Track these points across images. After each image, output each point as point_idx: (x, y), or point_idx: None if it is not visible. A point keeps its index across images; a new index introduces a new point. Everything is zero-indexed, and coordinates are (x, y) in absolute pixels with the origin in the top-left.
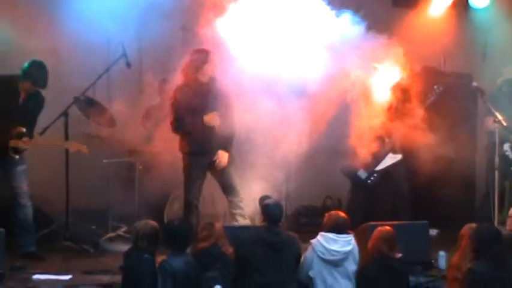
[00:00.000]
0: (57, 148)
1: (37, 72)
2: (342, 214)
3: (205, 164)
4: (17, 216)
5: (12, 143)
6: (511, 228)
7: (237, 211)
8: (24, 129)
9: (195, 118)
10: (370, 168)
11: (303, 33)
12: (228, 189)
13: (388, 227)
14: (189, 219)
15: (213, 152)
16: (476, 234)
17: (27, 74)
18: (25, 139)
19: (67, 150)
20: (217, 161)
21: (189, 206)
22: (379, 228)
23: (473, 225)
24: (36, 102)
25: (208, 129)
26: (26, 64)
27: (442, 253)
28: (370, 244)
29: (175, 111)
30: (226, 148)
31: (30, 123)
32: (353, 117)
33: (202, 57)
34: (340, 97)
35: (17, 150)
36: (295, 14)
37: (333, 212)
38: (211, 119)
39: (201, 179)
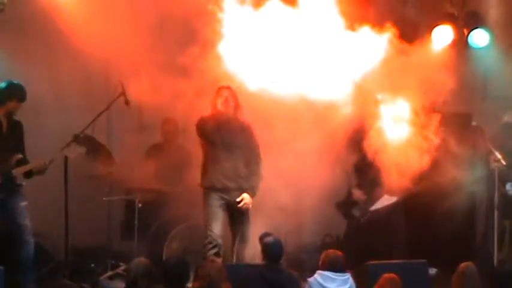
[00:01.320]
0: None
1: (18, 88)
2: (339, 253)
3: (226, 201)
4: (19, 254)
5: (17, 171)
6: None
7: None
8: (21, 155)
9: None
10: (364, 207)
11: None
12: (240, 236)
13: (394, 275)
14: (211, 258)
15: (235, 193)
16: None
17: (10, 94)
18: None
19: (66, 190)
20: (242, 203)
21: (212, 243)
22: (386, 275)
23: (469, 264)
24: (19, 126)
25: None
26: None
27: None
28: None
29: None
30: (253, 191)
31: (22, 150)
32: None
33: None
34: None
35: (30, 174)
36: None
37: (330, 251)
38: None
39: (223, 214)
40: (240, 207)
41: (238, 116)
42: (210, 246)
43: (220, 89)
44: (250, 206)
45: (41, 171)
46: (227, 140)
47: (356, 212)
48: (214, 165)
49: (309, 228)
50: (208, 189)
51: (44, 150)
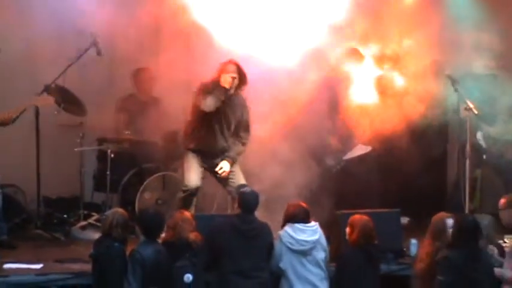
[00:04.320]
0: (27, 111)
1: None
2: (302, 204)
3: (207, 164)
4: None
5: None
6: (506, 221)
7: None
8: None
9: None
10: (338, 156)
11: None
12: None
13: (366, 217)
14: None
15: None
16: (456, 225)
17: None
18: None
19: (38, 141)
20: (222, 170)
21: (189, 194)
22: (358, 216)
23: (444, 214)
24: None
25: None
26: None
27: (413, 241)
28: (350, 232)
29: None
30: (232, 160)
31: None
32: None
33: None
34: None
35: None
36: None
37: (293, 202)
38: (225, 166)
39: (201, 170)
40: (218, 173)
41: (239, 92)
42: (184, 192)
43: (226, 64)
44: (228, 172)
45: (6, 123)
46: (223, 116)
47: (330, 161)
48: (203, 135)
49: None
50: (192, 151)
51: (15, 101)
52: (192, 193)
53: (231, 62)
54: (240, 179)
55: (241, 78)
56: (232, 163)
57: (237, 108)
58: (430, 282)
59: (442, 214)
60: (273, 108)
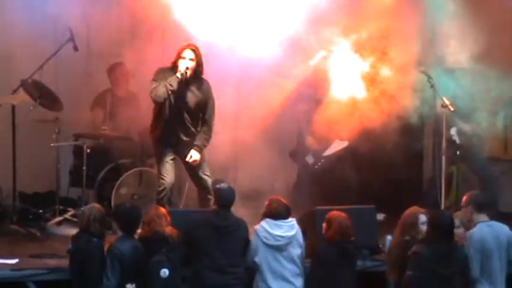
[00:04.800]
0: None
1: None
2: (282, 200)
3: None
4: None
5: None
6: (467, 218)
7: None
8: None
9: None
10: (317, 153)
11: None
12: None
13: (344, 214)
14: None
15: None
16: (431, 221)
17: None
18: None
19: (14, 136)
20: (192, 159)
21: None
22: (337, 213)
23: (417, 209)
24: None
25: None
26: None
27: (389, 237)
28: (326, 228)
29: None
30: (200, 148)
31: None
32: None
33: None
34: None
35: None
36: None
37: (273, 198)
38: (194, 155)
39: (172, 161)
40: (189, 163)
41: (203, 78)
42: (161, 193)
43: (183, 49)
44: (198, 160)
45: None
46: (182, 102)
47: (310, 159)
48: (166, 123)
49: (259, 176)
50: (160, 142)
51: None
52: (168, 193)
53: (188, 46)
54: (205, 170)
55: (199, 63)
56: (200, 151)
57: (199, 94)
58: (400, 274)
59: (415, 208)
60: (249, 104)
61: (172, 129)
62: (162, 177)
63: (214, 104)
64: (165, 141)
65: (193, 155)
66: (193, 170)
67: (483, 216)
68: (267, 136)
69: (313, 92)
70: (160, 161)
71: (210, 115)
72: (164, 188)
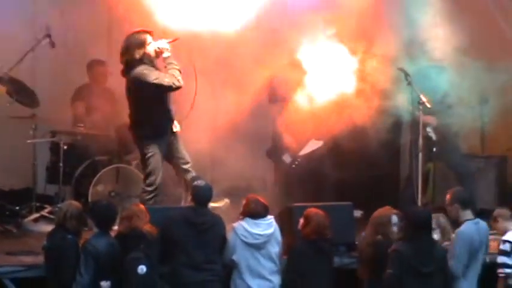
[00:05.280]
0: None
1: None
2: (260, 199)
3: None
4: None
5: None
6: (453, 216)
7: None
8: None
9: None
10: (294, 153)
11: None
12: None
13: (322, 212)
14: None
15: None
16: (408, 218)
17: None
18: None
19: None
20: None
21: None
22: (315, 210)
23: (389, 209)
24: None
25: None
26: None
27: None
28: (303, 225)
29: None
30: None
31: None
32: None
33: (141, 38)
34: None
35: None
36: None
37: (251, 197)
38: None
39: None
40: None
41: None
42: (154, 192)
43: (146, 35)
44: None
45: None
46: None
47: (287, 158)
48: (161, 113)
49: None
50: (150, 138)
51: None
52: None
53: (148, 32)
54: (185, 155)
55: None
56: None
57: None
58: (372, 274)
59: (387, 209)
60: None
61: (167, 115)
62: (155, 175)
63: None
64: (162, 131)
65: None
66: (173, 159)
67: (469, 214)
68: (243, 133)
69: (287, 91)
70: (153, 161)
71: None
72: (156, 188)
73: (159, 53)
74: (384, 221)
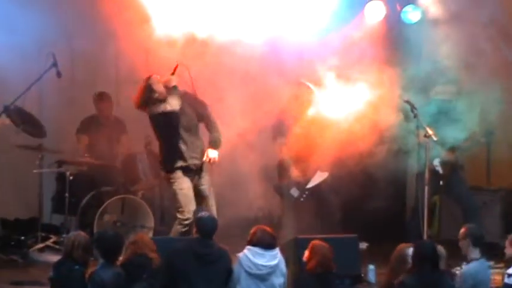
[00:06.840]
0: None
1: None
2: (267, 229)
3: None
4: None
5: None
6: (464, 251)
7: None
8: None
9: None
10: (301, 186)
11: None
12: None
13: (327, 245)
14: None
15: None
16: (415, 251)
17: None
18: None
19: None
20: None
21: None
22: (320, 243)
23: (403, 245)
24: None
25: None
26: None
27: (371, 267)
28: (308, 257)
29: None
30: (215, 144)
31: None
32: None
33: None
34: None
35: None
36: None
37: (259, 227)
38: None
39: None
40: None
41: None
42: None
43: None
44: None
45: None
46: (184, 121)
47: (295, 192)
48: (176, 147)
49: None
50: (176, 172)
51: None
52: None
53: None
54: (209, 183)
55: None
56: (216, 148)
57: (192, 109)
58: None
59: (402, 245)
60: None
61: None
62: (188, 208)
63: (207, 107)
64: (183, 167)
65: (211, 154)
66: (200, 190)
67: (477, 253)
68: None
69: (292, 123)
70: (183, 194)
71: (210, 115)
72: (189, 219)
73: (168, 86)
74: (399, 259)
